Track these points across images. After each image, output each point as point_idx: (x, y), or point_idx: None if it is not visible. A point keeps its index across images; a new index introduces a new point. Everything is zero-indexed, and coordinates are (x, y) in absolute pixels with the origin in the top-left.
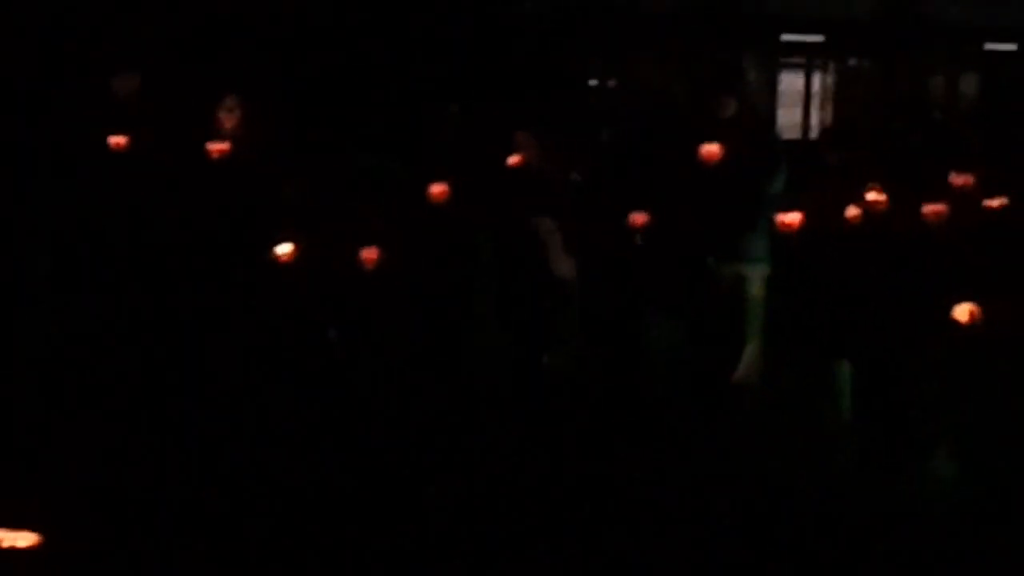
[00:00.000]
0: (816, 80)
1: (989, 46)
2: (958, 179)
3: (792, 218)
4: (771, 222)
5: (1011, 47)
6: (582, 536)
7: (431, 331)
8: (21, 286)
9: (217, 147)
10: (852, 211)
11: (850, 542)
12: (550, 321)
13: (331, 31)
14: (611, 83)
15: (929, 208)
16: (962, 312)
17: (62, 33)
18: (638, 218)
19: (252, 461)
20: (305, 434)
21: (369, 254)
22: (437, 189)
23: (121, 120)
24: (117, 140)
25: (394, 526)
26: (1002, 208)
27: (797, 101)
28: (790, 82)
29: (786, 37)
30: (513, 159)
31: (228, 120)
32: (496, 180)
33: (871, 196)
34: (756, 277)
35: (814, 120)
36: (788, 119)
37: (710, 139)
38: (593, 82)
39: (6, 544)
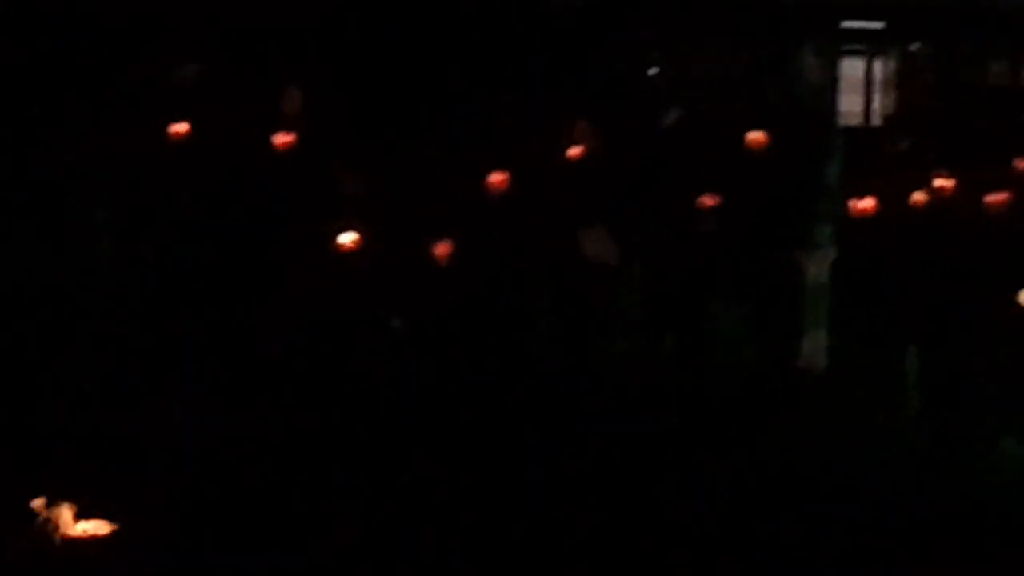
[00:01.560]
0: (877, 67)
1: None
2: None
3: (866, 204)
4: (833, 208)
5: None
6: (658, 519)
7: (497, 322)
8: (85, 276)
9: (281, 138)
10: (919, 197)
11: (919, 529)
12: (604, 310)
13: (390, 22)
14: (669, 71)
15: (992, 196)
16: None
17: (127, 22)
18: (707, 201)
19: (314, 448)
20: (365, 421)
21: (441, 249)
22: (497, 178)
23: (184, 110)
24: (178, 129)
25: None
26: None
27: (858, 88)
28: (851, 68)
29: (846, 24)
30: (573, 150)
31: (290, 110)
32: (556, 171)
33: (937, 182)
34: (818, 263)
35: (876, 107)
36: (849, 106)
37: (759, 127)
38: (652, 71)
39: (85, 533)
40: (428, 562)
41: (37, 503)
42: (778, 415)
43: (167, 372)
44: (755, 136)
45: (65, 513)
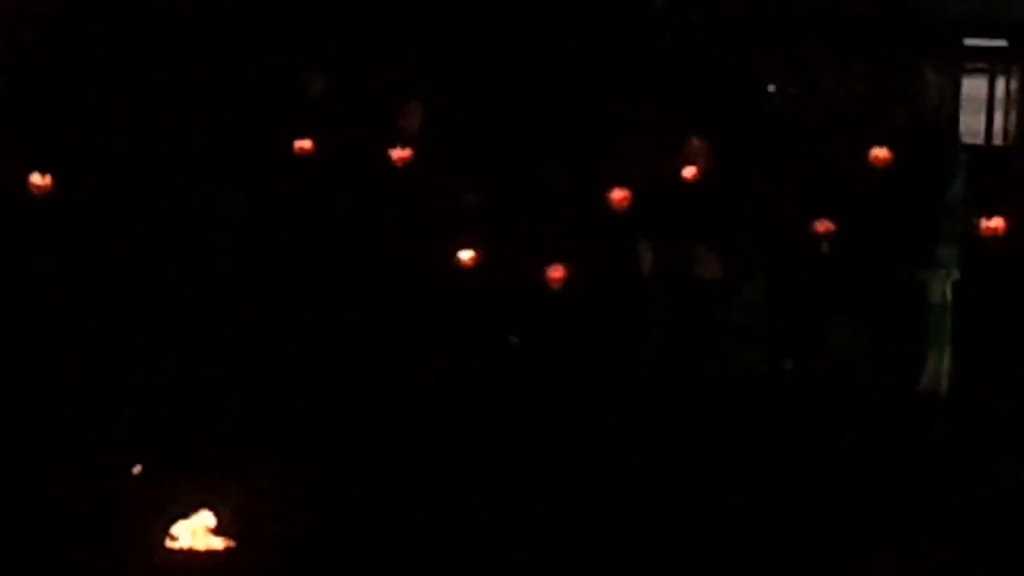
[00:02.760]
0: (999, 85)
1: None
2: None
3: (997, 223)
4: (956, 227)
5: None
6: (771, 538)
7: (608, 339)
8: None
9: (399, 153)
10: None
11: None
12: (717, 327)
13: (511, 41)
14: (790, 88)
15: None
16: None
17: (250, 36)
18: (821, 226)
19: (433, 460)
20: (483, 435)
21: (555, 272)
22: (618, 195)
23: (307, 124)
24: (303, 144)
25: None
26: None
27: (980, 107)
28: (973, 87)
29: (969, 42)
30: (689, 171)
31: (410, 126)
32: (671, 190)
33: None
34: (940, 283)
35: (997, 126)
36: (971, 125)
37: (883, 144)
38: (771, 87)
39: (204, 547)
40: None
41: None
42: (896, 438)
43: (283, 381)
44: (878, 153)
45: (184, 526)
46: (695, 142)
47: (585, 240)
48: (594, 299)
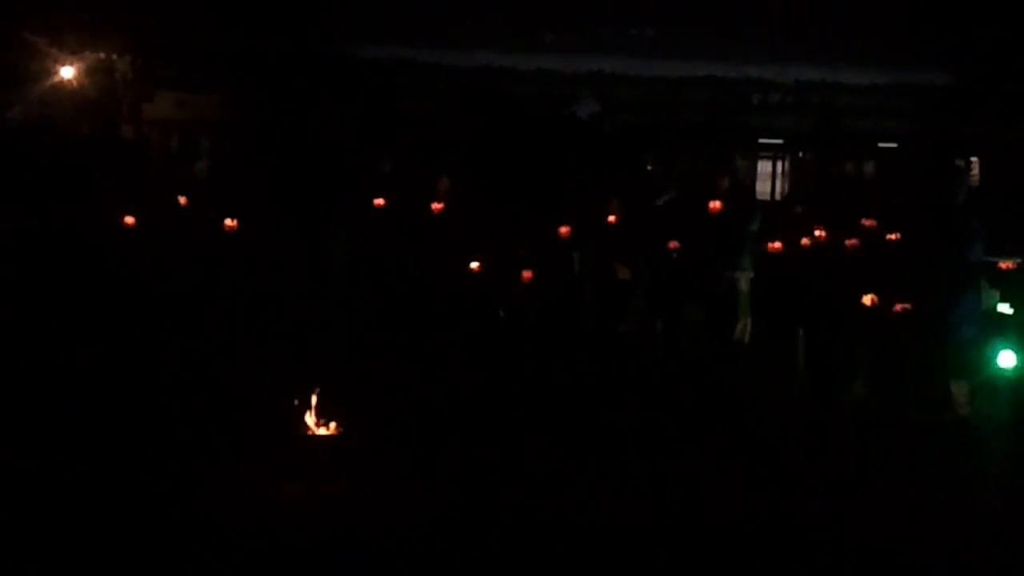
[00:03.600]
0: (779, 165)
1: None
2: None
3: (774, 244)
4: (752, 247)
5: None
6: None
7: (556, 312)
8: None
9: (436, 206)
10: (804, 241)
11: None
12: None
13: (506, 141)
14: (659, 168)
15: (849, 241)
16: (866, 300)
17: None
18: (673, 245)
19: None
20: (482, 378)
21: (527, 274)
22: (564, 230)
23: (382, 188)
24: (378, 201)
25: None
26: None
27: (768, 177)
28: (764, 166)
29: (762, 140)
30: (612, 218)
31: (442, 190)
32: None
33: (817, 232)
34: (744, 279)
35: (778, 190)
36: (763, 188)
37: (715, 199)
38: (649, 167)
39: (316, 432)
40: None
41: (299, 404)
42: (722, 369)
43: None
44: (715, 205)
45: (310, 416)
46: (611, 201)
47: (544, 256)
48: (549, 290)
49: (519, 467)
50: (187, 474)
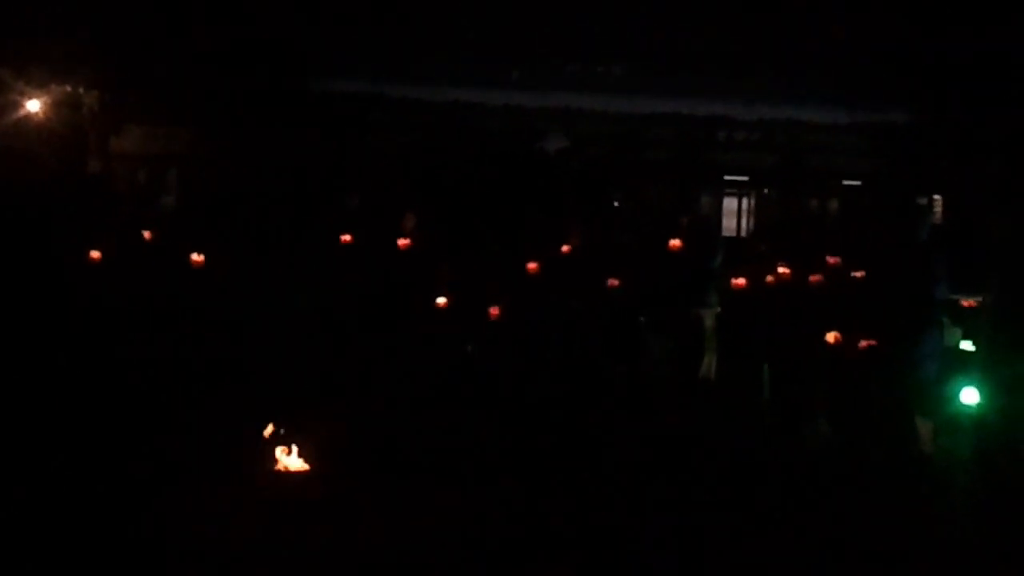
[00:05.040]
0: (744, 202)
1: None
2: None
3: (739, 281)
4: (717, 283)
5: None
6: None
7: (521, 344)
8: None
9: (403, 241)
10: (769, 278)
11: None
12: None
13: (466, 180)
14: (627, 204)
15: (813, 277)
16: (830, 337)
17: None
18: (613, 282)
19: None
20: (453, 408)
21: (494, 310)
22: (532, 265)
23: (348, 224)
24: (345, 236)
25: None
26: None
27: (733, 214)
28: (730, 203)
29: (727, 177)
30: (566, 248)
31: (408, 226)
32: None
33: (780, 269)
34: (710, 315)
35: (743, 226)
36: (729, 224)
37: (677, 237)
38: (616, 204)
39: (284, 468)
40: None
41: (266, 436)
42: (690, 401)
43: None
44: (674, 243)
45: (280, 452)
46: (574, 235)
47: (510, 291)
48: (515, 324)
49: (488, 503)
50: (153, 510)
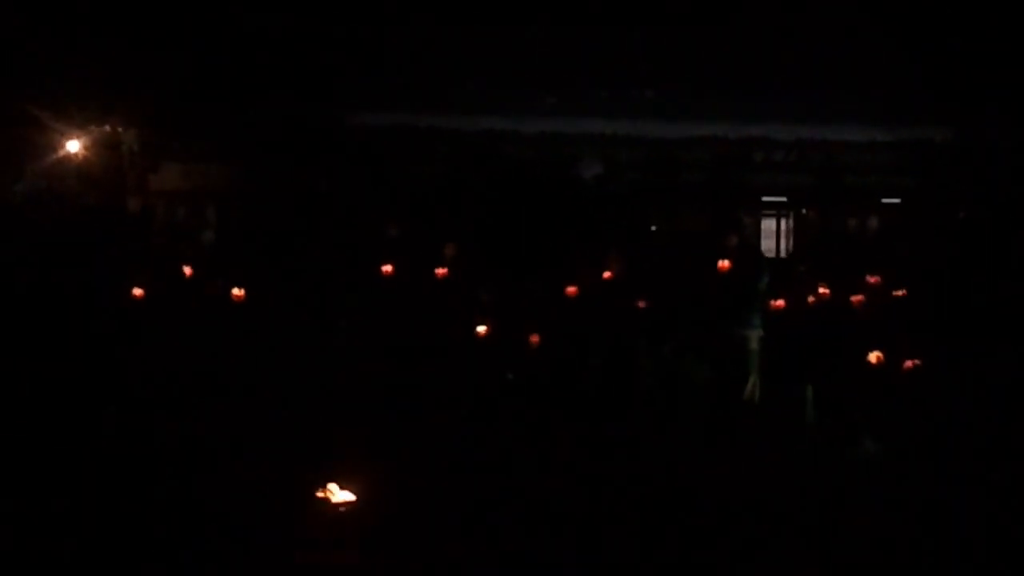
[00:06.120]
0: (783, 223)
1: None
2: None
3: (779, 303)
4: (761, 305)
5: None
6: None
7: (566, 376)
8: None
9: (441, 271)
10: (811, 299)
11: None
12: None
13: (505, 209)
14: (667, 227)
15: (854, 297)
16: (873, 357)
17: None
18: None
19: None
20: (494, 443)
21: (533, 338)
22: (570, 290)
23: (389, 254)
24: (386, 268)
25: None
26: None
27: (772, 235)
28: (768, 224)
29: (765, 198)
30: (607, 273)
31: (448, 256)
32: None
33: (820, 290)
34: (754, 337)
35: (782, 247)
36: (768, 246)
37: (724, 258)
38: (654, 228)
39: (331, 498)
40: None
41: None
42: (731, 425)
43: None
44: (723, 264)
45: (333, 487)
46: (613, 261)
47: (550, 320)
48: (554, 352)
49: (530, 534)
50: (201, 547)
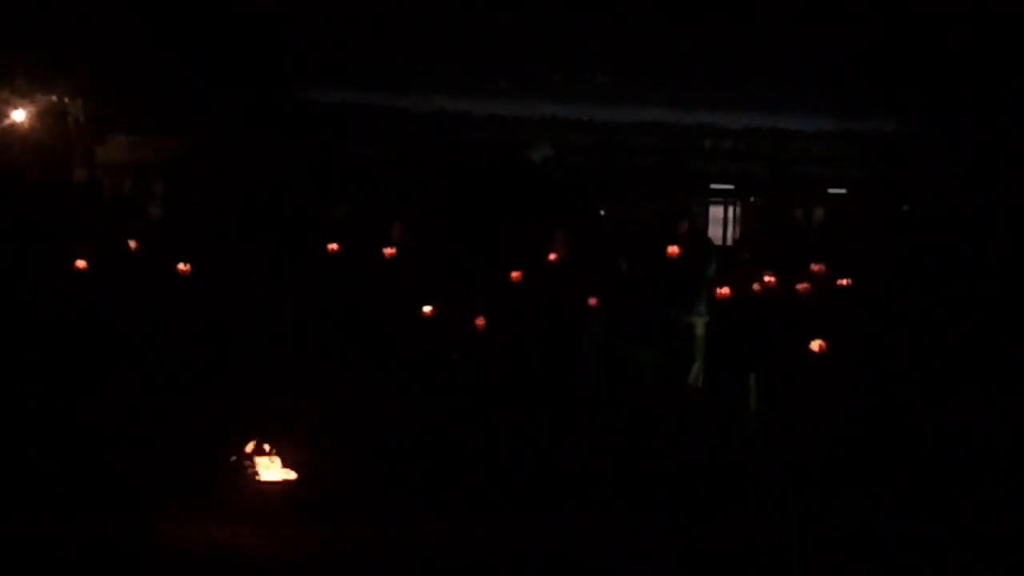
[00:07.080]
0: (730, 210)
1: None
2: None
3: (724, 290)
4: (707, 292)
5: None
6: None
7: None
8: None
9: (389, 251)
10: (755, 287)
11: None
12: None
13: (453, 188)
14: (616, 213)
15: (799, 285)
16: (815, 345)
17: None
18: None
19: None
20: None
21: (479, 320)
22: (515, 275)
23: (335, 234)
24: (332, 246)
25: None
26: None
27: (719, 222)
28: (716, 212)
29: (713, 186)
30: (552, 256)
31: (395, 236)
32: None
33: (766, 278)
34: (700, 324)
35: (730, 234)
36: (715, 233)
37: (673, 244)
38: (602, 212)
39: (276, 479)
40: None
41: (248, 449)
42: (676, 409)
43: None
44: (673, 250)
45: (264, 461)
46: (560, 244)
47: (495, 302)
48: (500, 334)
49: (473, 513)
50: (134, 520)
